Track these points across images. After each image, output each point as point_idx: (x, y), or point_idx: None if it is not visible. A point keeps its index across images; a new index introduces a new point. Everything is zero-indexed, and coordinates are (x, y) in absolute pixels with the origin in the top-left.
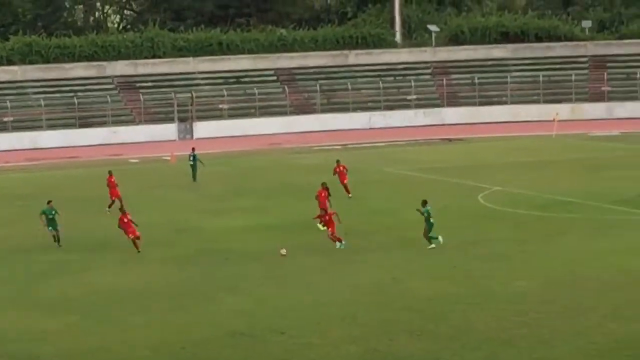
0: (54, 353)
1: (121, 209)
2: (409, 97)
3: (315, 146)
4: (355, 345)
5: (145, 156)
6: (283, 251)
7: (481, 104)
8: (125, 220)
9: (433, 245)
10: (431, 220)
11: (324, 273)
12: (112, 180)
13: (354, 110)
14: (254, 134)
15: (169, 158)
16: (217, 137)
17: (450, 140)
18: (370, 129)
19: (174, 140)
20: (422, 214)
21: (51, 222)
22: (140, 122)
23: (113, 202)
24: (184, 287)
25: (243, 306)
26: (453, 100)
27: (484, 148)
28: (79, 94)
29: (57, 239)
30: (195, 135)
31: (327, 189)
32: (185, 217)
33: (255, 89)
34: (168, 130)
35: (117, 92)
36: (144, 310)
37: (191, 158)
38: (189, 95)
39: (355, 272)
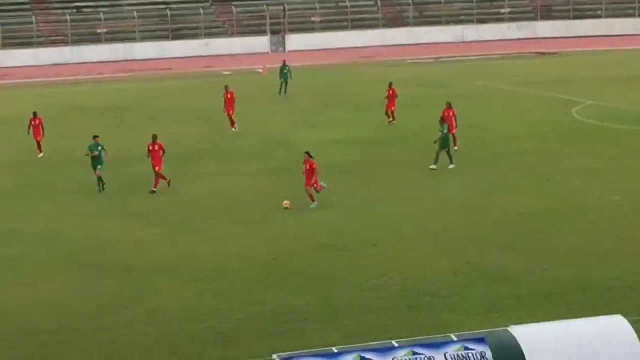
0: (146, 263)
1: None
2: (502, 11)
3: (407, 59)
4: (447, 258)
5: (238, 68)
6: (286, 203)
7: (575, 17)
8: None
9: (452, 166)
10: (449, 140)
11: (415, 186)
12: (229, 95)
13: (447, 23)
14: (346, 46)
15: (260, 70)
16: (309, 50)
17: (543, 54)
18: (463, 42)
19: (266, 53)
20: (442, 131)
21: (96, 160)
22: (232, 35)
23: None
24: (275, 199)
25: (333, 218)
26: (547, 14)
27: (578, 62)
28: (172, 5)
29: (100, 182)
30: (287, 48)
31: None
32: (277, 129)
33: (347, 1)
34: (260, 43)
35: (209, 4)
36: (235, 222)
37: (282, 70)
38: (281, 7)
39: (447, 185)
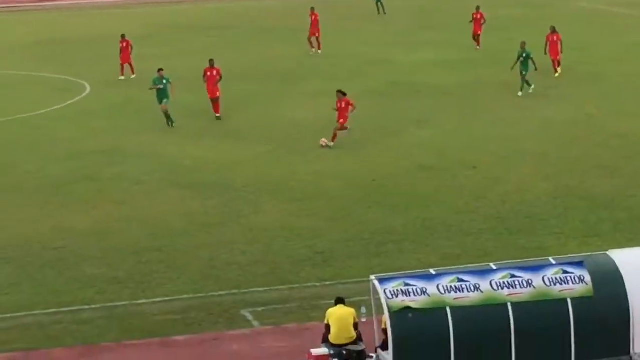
0: (245, 181)
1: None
2: None
3: None
4: (546, 181)
5: None
6: (323, 141)
7: None
8: None
9: (532, 88)
10: (530, 63)
11: (515, 108)
12: (314, 18)
13: None
14: None
15: None
16: None
17: None
18: None
19: None
20: (521, 56)
21: (161, 94)
22: None
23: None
24: (374, 121)
25: (433, 140)
26: None
27: None
28: None
29: (168, 118)
30: None
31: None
32: (376, 49)
33: None
34: None
35: None
36: (336, 143)
37: None
38: None
39: (548, 108)
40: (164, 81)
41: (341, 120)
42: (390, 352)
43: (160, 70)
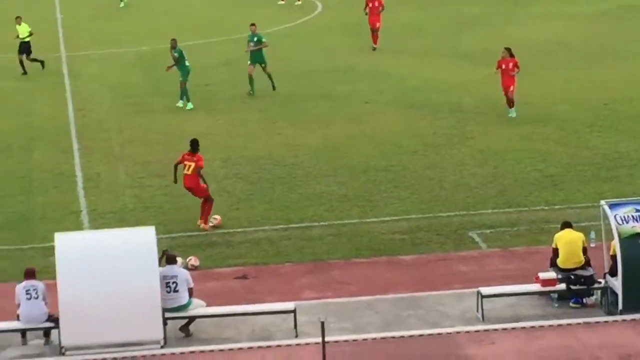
0: (474, 102)
1: None
2: None
3: None
4: None
5: None
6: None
7: None
8: None
9: None
10: None
11: None
12: None
13: None
14: None
15: None
16: None
17: None
18: None
19: None
20: None
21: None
22: None
23: None
24: (604, 42)
25: None
26: None
27: None
28: None
29: (251, 83)
30: None
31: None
32: None
33: None
34: None
35: None
36: (563, 66)
37: None
38: None
39: None
40: (255, 39)
41: (511, 88)
42: (619, 279)
43: (252, 25)
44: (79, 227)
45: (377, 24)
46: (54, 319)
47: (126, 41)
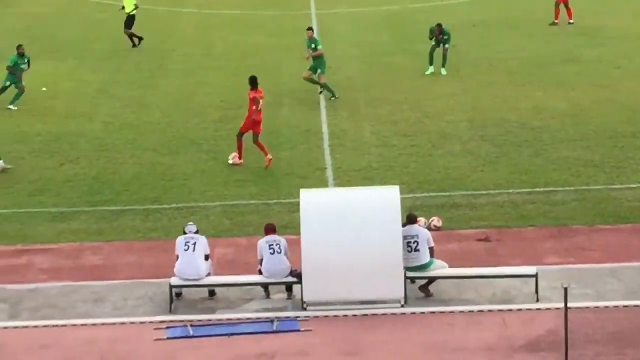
0: None
1: None
2: None
3: None
4: None
5: None
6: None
7: None
8: None
9: None
10: None
11: None
12: None
13: None
14: None
15: None
16: None
17: None
18: None
19: None
20: None
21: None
22: None
23: None
24: None
25: None
26: None
27: None
28: None
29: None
30: None
31: None
32: None
33: None
34: None
35: None
36: None
37: None
38: None
39: None
40: (312, 45)
41: None
42: None
43: (309, 29)
44: (323, 183)
45: None
46: (296, 274)
47: (376, 0)
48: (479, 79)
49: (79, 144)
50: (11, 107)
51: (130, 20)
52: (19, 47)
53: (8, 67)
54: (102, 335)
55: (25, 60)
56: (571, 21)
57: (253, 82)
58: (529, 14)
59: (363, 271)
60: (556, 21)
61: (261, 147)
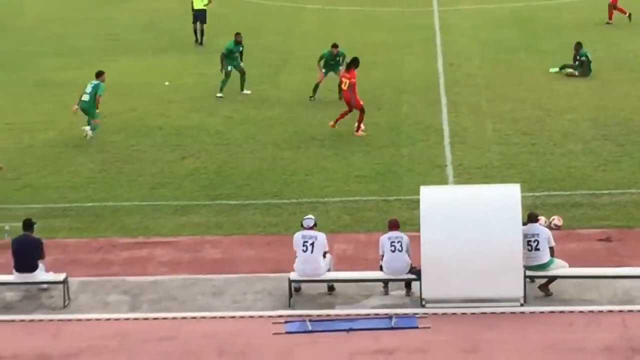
0: None
1: None
2: None
3: None
4: None
5: None
6: None
7: None
8: None
9: None
10: None
11: None
12: None
13: None
14: None
15: None
16: None
17: None
18: None
19: None
20: None
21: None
22: None
23: None
24: None
25: None
26: None
27: None
28: None
29: None
30: None
31: None
32: None
33: None
34: None
35: None
36: None
37: None
38: None
39: None
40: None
41: None
42: None
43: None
44: (443, 181)
45: None
46: (415, 271)
47: None
48: (603, 78)
49: (200, 138)
50: (246, 92)
51: (199, 14)
52: (237, 34)
53: (223, 55)
54: (221, 329)
55: (240, 49)
56: None
57: (350, 63)
58: None
59: (482, 269)
60: None
61: (341, 117)
